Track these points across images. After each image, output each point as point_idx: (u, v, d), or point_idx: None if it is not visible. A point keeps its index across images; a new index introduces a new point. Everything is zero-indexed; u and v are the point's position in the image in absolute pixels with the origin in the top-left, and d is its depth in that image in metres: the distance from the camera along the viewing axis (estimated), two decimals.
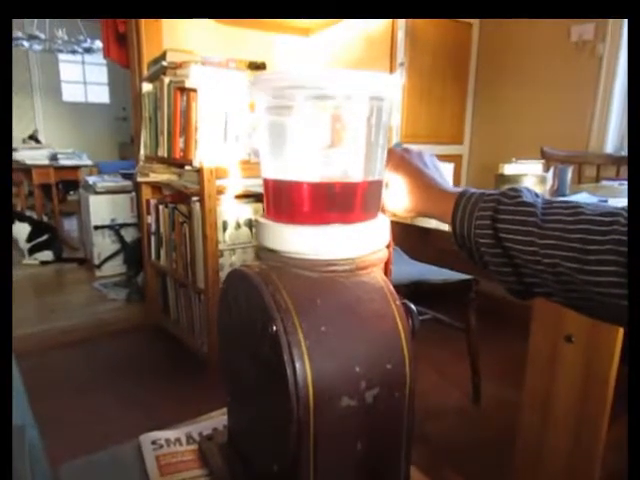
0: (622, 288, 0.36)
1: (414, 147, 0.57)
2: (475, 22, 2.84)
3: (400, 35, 2.51)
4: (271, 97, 0.44)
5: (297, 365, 0.36)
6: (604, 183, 1.86)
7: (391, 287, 0.44)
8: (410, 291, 1.53)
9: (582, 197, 1.28)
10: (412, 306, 0.50)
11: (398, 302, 0.43)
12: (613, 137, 2.36)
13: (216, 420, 0.63)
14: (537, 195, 0.44)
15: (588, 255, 0.37)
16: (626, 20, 2.24)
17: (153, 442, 0.57)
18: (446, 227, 0.95)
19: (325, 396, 0.37)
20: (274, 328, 0.37)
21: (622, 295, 0.36)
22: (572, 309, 0.42)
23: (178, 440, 0.58)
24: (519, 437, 0.97)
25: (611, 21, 2.26)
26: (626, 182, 1.80)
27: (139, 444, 0.57)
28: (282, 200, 0.45)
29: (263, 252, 0.44)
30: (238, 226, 1.80)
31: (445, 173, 0.54)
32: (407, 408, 0.42)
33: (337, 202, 0.44)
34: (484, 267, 0.46)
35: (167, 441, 0.57)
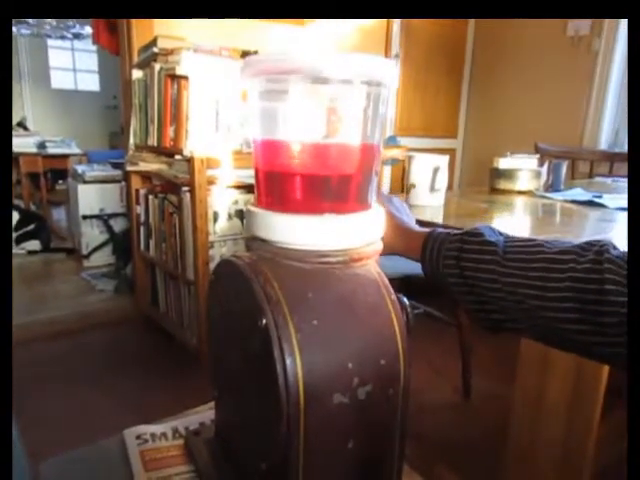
0: (580, 324, 0.37)
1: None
2: None
3: (395, 27, 2.49)
4: (264, 81, 0.42)
5: (287, 360, 0.34)
6: (598, 179, 1.86)
7: (386, 280, 0.42)
8: (403, 285, 1.52)
9: (576, 192, 1.28)
10: (406, 300, 0.49)
11: (393, 296, 0.41)
12: (607, 133, 2.36)
13: (204, 414, 0.61)
14: (500, 233, 0.46)
15: (548, 292, 0.39)
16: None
17: (138, 437, 0.55)
18: (440, 219, 0.94)
19: (316, 393, 0.35)
20: (264, 321, 0.35)
21: (580, 331, 0.37)
22: (543, 343, 0.43)
23: (164, 435, 0.56)
24: (511, 432, 0.97)
25: None
26: (619, 179, 1.80)
27: (123, 439, 0.55)
28: (274, 188, 0.43)
29: (253, 242, 0.43)
30: (229, 217, 1.78)
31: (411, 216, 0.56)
32: (401, 405, 0.41)
33: (331, 191, 0.42)
34: (457, 303, 0.48)
35: (152, 436, 0.56)
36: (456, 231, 0.47)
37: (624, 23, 2.23)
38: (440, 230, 0.49)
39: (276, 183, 0.42)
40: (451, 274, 0.45)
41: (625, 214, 1.03)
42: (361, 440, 0.39)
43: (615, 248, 0.38)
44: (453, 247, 0.46)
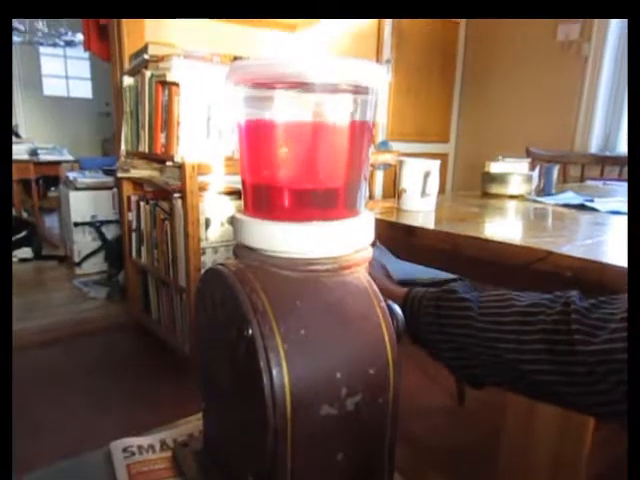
0: (553, 375, 0.38)
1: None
2: (462, 21, 2.84)
3: (387, 32, 2.50)
4: (249, 87, 0.41)
5: (274, 371, 0.34)
6: (589, 183, 1.87)
7: (375, 288, 0.42)
8: None
9: (568, 196, 1.28)
10: (397, 308, 0.48)
11: (382, 304, 0.41)
12: (597, 137, 2.38)
13: (193, 425, 0.60)
14: (475, 289, 0.47)
15: (522, 345, 0.40)
16: (612, 21, 2.26)
17: (124, 449, 0.54)
18: (431, 225, 0.94)
19: (304, 404, 0.35)
20: (250, 331, 0.35)
21: (556, 382, 0.38)
22: (528, 398, 0.43)
23: (151, 447, 0.55)
24: (504, 437, 0.96)
25: (597, 21, 2.27)
26: (610, 182, 1.81)
27: (110, 451, 0.54)
28: (261, 195, 0.42)
29: (241, 250, 0.42)
30: (221, 224, 1.77)
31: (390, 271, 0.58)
32: (391, 414, 0.40)
33: (319, 198, 0.41)
34: (441, 361, 0.48)
35: (139, 448, 0.55)
36: (432, 289, 0.49)
37: (613, 28, 2.26)
38: (417, 289, 0.50)
39: (263, 191, 0.42)
40: (431, 331, 0.47)
41: (617, 217, 1.04)
42: (350, 451, 0.38)
43: (581, 299, 0.39)
44: (430, 305, 0.47)
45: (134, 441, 0.55)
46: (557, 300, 0.40)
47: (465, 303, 0.45)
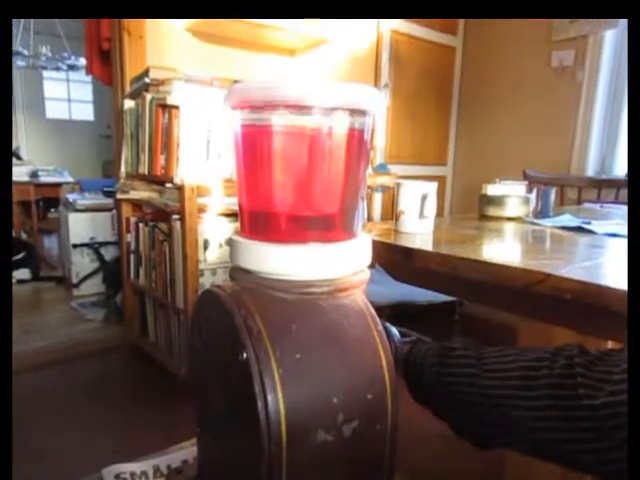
0: (559, 432, 0.36)
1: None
2: (458, 46, 2.89)
3: (384, 57, 2.54)
4: (247, 110, 0.41)
5: (269, 397, 0.33)
6: (586, 205, 1.88)
7: (372, 310, 0.41)
8: (394, 312, 1.50)
9: (565, 218, 1.28)
10: (394, 330, 0.48)
11: (380, 327, 0.40)
12: (593, 161, 2.40)
13: (187, 451, 0.59)
14: (474, 346, 0.46)
15: (528, 401, 0.38)
16: (605, 48, 2.31)
17: (116, 476, 0.53)
18: (429, 247, 0.94)
19: (299, 430, 0.34)
20: (244, 355, 0.34)
21: (561, 439, 0.36)
22: (537, 458, 0.42)
23: (144, 474, 0.54)
24: (507, 466, 0.94)
25: (590, 48, 2.32)
26: (607, 205, 1.82)
27: (101, 478, 0.53)
28: (257, 217, 0.42)
29: (237, 272, 0.42)
30: (220, 245, 1.77)
31: None
32: (389, 441, 0.39)
33: (316, 220, 0.41)
34: (447, 421, 0.47)
35: (132, 475, 0.53)
36: (433, 347, 0.48)
37: (606, 55, 2.30)
38: (418, 347, 0.49)
39: (259, 213, 0.42)
40: (435, 391, 0.46)
41: (614, 240, 1.04)
42: (348, 479, 0.37)
43: (583, 352, 0.39)
44: (434, 362, 0.46)
45: (127, 467, 0.54)
46: (559, 354, 0.39)
47: (468, 360, 0.44)
